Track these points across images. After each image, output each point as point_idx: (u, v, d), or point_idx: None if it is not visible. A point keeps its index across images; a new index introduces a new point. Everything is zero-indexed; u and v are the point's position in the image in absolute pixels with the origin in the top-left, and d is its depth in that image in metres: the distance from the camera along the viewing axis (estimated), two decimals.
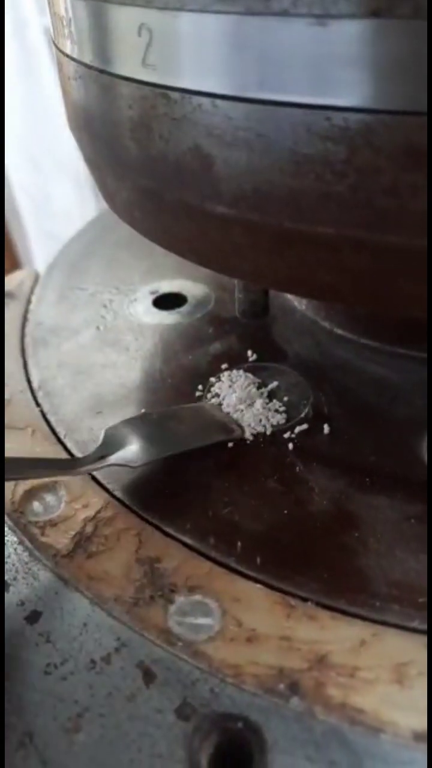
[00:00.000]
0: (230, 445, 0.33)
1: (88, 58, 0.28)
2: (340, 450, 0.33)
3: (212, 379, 0.37)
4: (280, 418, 0.35)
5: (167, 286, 0.47)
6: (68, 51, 0.30)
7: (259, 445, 0.33)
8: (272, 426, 0.34)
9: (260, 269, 0.28)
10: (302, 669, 0.24)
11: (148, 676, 0.24)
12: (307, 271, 0.26)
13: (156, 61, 0.25)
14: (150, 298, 0.46)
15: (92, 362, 0.40)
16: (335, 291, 0.27)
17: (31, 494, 0.31)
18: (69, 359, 0.40)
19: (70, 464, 0.30)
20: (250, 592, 0.27)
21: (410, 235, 0.22)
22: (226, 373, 0.38)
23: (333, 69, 0.21)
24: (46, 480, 0.32)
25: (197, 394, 0.37)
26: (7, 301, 0.46)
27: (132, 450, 0.31)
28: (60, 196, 1.29)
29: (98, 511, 0.30)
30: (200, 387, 0.37)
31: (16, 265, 1.30)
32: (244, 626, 0.25)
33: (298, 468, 0.32)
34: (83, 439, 0.34)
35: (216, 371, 0.38)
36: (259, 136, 0.23)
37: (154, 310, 0.45)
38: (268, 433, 0.34)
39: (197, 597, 0.27)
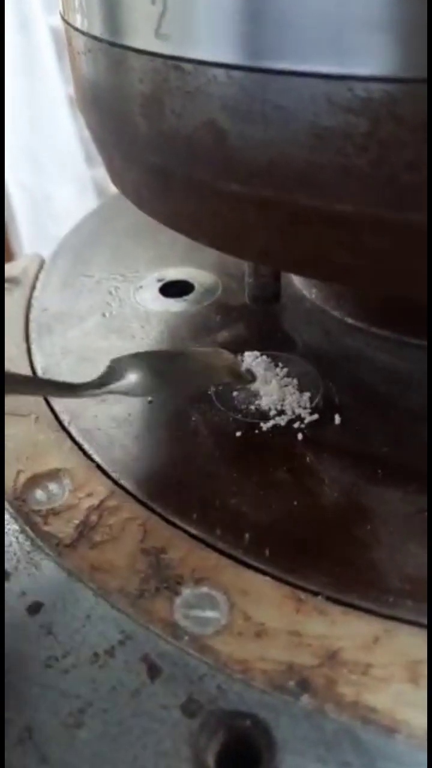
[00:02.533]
0: (238, 434, 0.32)
1: (98, 31, 0.27)
2: (351, 441, 0.32)
3: None
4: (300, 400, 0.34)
5: (174, 274, 0.46)
6: (77, 24, 0.29)
7: (268, 434, 0.32)
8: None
9: (273, 250, 0.27)
10: (313, 665, 0.23)
11: (153, 671, 0.23)
12: (323, 252, 0.25)
13: (170, 31, 0.24)
14: (156, 286, 0.45)
15: (97, 349, 0.39)
16: (352, 273, 0.26)
17: (33, 482, 0.30)
18: (74, 346, 0.39)
19: (71, 387, 0.30)
20: (259, 585, 0.26)
21: None
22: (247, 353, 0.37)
23: (355, 35, 0.20)
24: (50, 468, 0.31)
25: None
26: (11, 286, 0.45)
27: (134, 380, 0.29)
28: (61, 196, 1.28)
29: (103, 500, 0.29)
30: None
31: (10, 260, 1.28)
32: (253, 620, 0.25)
33: (308, 458, 0.31)
34: (87, 426, 0.33)
35: None
36: (276, 108, 0.22)
37: (161, 297, 0.44)
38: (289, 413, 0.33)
39: (204, 589, 0.26)
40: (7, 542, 0.28)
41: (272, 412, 0.33)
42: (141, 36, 0.25)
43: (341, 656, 0.23)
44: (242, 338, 0.39)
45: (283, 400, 0.34)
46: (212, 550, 0.27)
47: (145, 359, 0.31)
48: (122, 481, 0.30)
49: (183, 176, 0.27)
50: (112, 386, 0.29)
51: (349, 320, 0.40)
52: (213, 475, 0.31)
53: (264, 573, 0.26)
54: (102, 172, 0.35)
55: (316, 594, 0.25)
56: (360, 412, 0.34)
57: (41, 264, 0.48)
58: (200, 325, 0.41)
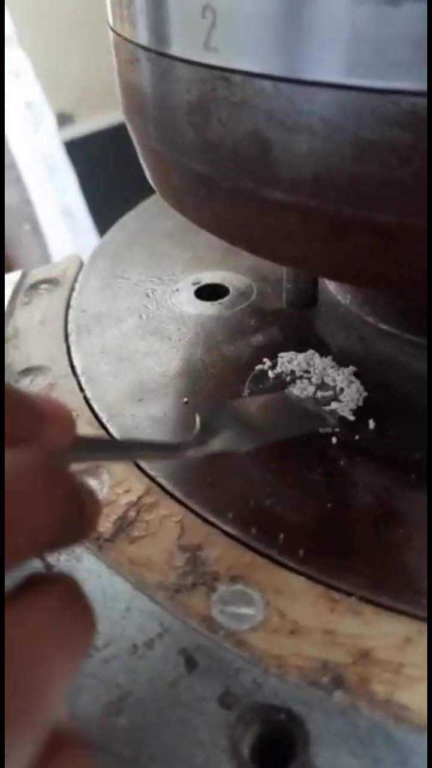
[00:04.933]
0: None
1: (146, 40, 0.28)
2: (384, 445, 0.33)
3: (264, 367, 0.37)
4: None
5: (209, 277, 0.47)
6: (126, 34, 0.30)
7: (302, 437, 0.33)
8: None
9: (314, 257, 0.27)
10: (346, 663, 0.24)
11: (191, 664, 0.24)
12: (363, 260, 0.26)
13: (219, 44, 0.24)
14: (192, 289, 0.46)
15: (135, 350, 0.40)
16: (389, 280, 0.26)
17: None
18: (112, 346, 0.40)
19: (174, 447, 0.28)
20: (293, 584, 0.26)
21: None
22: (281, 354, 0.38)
23: (403, 51, 0.20)
24: (89, 464, 0.32)
25: (259, 367, 0.37)
26: (50, 287, 0.47)
27: (232, 436, 0.29)
28: None
29: (140, 497, 0.30)
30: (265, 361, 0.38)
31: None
32: (288, 618, 0.25)
33: (342, 462, 0.32)
34: (126, 424, 0.34)
35: (258, 363, 0.38)
36: (322, 120, 0.23)
37: (197, 300, 0.44)
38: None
39: (239, 587, 0.26)
40: None
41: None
42: (190, 47, 0.26)
43: (374, 655, 0.24)
44: (277, 342, 0.40)
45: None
46: (247, 549, 0.28)
47: (232, 413, 0.31)
48: (159, 479, 0.31)
49: (227, 184, 0.27)
50: (212, 444, 0.28)
51: (383, 326, 0.40)
52: (248, 475, 0.31)
53: (298, 573, 0.27)
54: None
55: (349, 594, 0.26)
56: (393, 418, 0.34)
57: (80, 266, 0.50)
58: (235, 329, 0.42)
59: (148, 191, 0.54)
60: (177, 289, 0.46)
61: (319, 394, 0.35)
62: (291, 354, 0.37)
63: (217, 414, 0.30)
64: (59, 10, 1.25)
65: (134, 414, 0.35)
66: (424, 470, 0.31)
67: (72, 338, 0.41)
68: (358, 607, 0.26)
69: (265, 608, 0.25)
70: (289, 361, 0.37)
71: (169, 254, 0.50)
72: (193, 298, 0.45)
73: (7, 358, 0.39)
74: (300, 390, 0.35)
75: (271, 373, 0.37)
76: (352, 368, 0.36)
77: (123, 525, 0.29)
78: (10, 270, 0.49)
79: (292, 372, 0.36)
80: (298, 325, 0.41)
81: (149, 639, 0.24)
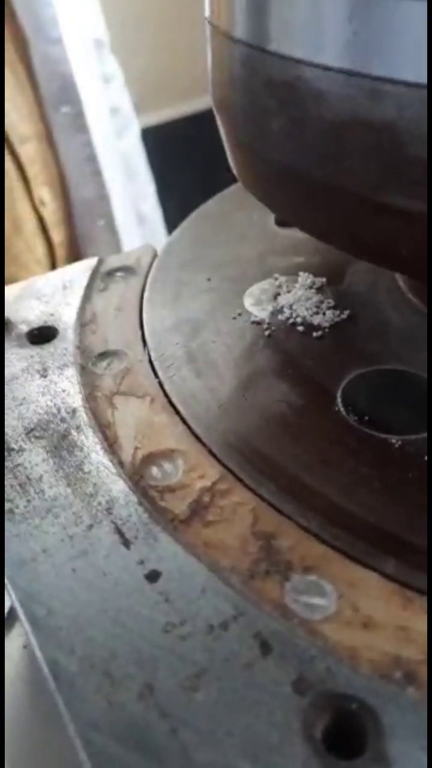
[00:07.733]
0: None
1: (239, 34, 0.29)
2: None
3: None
4: None
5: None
6: (223, 26, 0.30)
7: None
8: None
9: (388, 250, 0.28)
10: (419, 660, 0.24)
11: (265, 648, 0.24)
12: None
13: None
14: None
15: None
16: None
17: (149, 460, 0.32)
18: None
19: None
20: (367, 579, 0.26)
21: None
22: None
23: None
24: (164, 448, 0.32)
25: None
26: (126, 275, 0.47)
27: None
28: None
29: (215, 483, 0.31)
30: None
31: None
32: (361, 612, 0.25)
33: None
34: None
35: None
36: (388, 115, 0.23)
37: None
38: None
39: (313, 577, 0.26)
40: (126, 513, 0.29)
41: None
42: (278, 41, 0.26)
43: None
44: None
45: None
46: (321, 542, 0.28)
47: None
48: (233, 467, 0.31)
49: (303, 174, 0.28)
50: None
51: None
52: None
53: (372, 569, 0.27)
54: None
55: (423, 593, 0.26)
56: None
57: (154, 255, 0.50)
58: None
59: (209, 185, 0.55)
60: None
61: None
62: None
63: None
64: (127, 7, 1.27)
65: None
66: None
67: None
68: None
69: (337, 600, 0.26)
70: None
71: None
72: None
73: (85, 341, 0.40)
74: None
75: None
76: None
77: (197, 509, 0.29)
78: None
79: None
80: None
81: (224, 620, 0.25)
